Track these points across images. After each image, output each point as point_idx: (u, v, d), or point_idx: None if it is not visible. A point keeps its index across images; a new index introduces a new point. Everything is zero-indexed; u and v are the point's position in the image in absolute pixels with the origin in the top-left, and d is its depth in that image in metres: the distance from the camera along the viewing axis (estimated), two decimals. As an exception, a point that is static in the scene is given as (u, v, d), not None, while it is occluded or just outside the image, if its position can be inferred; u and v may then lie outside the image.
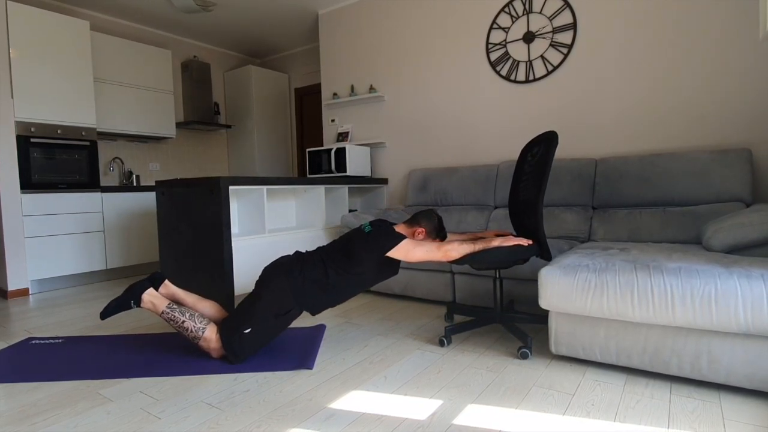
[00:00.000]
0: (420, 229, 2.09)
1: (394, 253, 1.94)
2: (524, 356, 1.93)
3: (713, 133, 2.67)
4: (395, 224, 2.12)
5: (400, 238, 1.96)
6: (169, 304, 1.96)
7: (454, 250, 1.93)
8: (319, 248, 2.10)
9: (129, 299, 1.97)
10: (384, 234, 1.99)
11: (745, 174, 2.41)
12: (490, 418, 1.44)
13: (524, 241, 1.94)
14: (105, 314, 1.98)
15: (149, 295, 1.98)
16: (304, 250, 2.13)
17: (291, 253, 3.03)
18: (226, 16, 4.63)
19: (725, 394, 1.56)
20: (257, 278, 2.01)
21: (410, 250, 1.95)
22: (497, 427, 1.39)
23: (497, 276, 2.15)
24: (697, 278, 1.54)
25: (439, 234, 2.14)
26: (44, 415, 1.54)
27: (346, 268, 1.97)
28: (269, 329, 1.92)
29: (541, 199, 1.88)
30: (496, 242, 1.93)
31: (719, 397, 1.55)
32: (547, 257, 2.01)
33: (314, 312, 2.00)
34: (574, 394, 1.60)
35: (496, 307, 2.16)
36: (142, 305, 1.97)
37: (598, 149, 3.05)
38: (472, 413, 1.48)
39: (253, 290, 1.96)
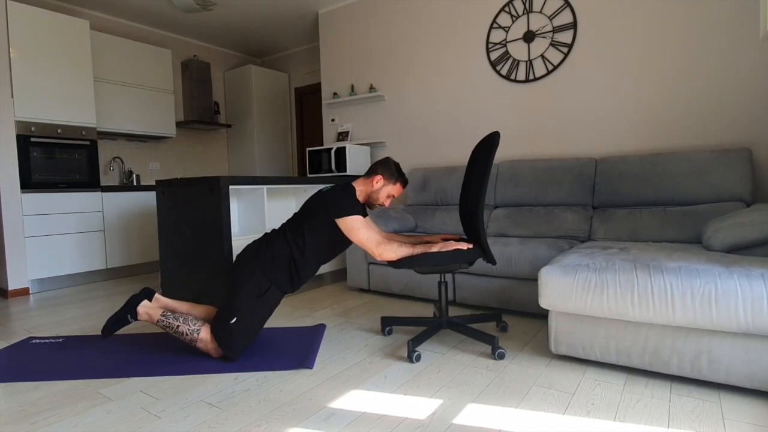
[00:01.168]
0: (377, 177, 2.06)
1: (341, 222, 1.92)
2: (501, 356, 1.92)
3: (713, 132, 2.67)
4: (356, 180, 2.10)
5: (354, 211, 1.92)
6: (163, 312, 2.00)
7: (392, 251, 1.89)
8: (283, 223, 2.10)
9: (125, 314, 2.01)
10: (340, 198, 1.95)
11: (745, 173, 2.41)
12: (490, 418, 1.44)
13: (464, 246, 1.91)
14: (106, 332, 2.03)
15: (144, 307, 2.02)
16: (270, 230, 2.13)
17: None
18: (226, 16, 4.63)
19: (725, 394, 1.56)
20: (231, 268, 2.03)
21: (354, 228, 1.91)
22: (497, 426, 1.39)
23: (442, 280, 2.10)
24: (697, 278, 1.54)
25: (399, 178, 2.09)
26: (44, 415, 1.54)
27: (305, 233, 1.96)
28: (255, 314, 1.93)
29: (481, 200, 1.84)
30: (436, 247, 1.91)
31: (719, 396, 1.55)
32: (490, 260, 1.97)
33: (285, 290, 2.00)
34: (574, 394, 1.60)
35: (442, 313, 2.10)
36: (138, 318, 2.02)
37: (599, 149, 3.05)
38: (472, 413, 1.48)
39: (231, 281, 1.98)
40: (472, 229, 1.98)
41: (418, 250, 1.90)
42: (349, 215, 1.92)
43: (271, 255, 1.95)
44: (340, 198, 1.95)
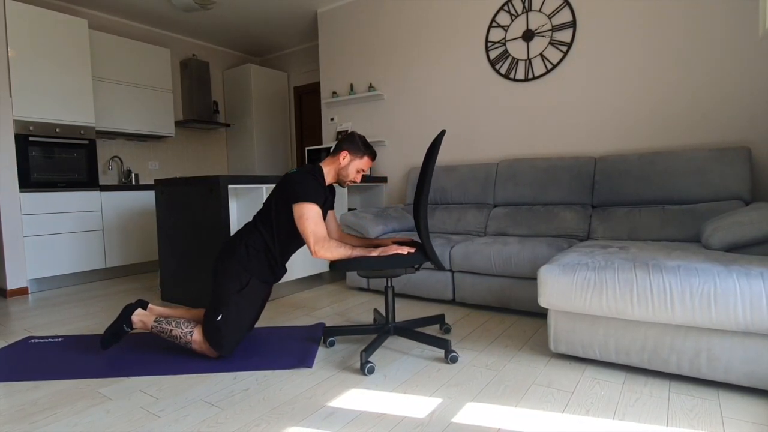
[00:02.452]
0: (343, 153, 2.00)
1: (295, 208, 1.85)
2: (454, 360, 1.88)
3: (712, 131, 2.67)
4: (323, 161, 2.05)
5: (309, 198, 1.85)
6: (156, 318, 2.00)
7: (328, 250, 1.81)
8: (254, 215, 2.07)
9: (122, 324, 2.01)
10: (301, 182, 1.89)
11: (744, 172, 2.41)
12: (490, 416, 1.45)
13: (403, 250, 1.86)
14: (104, 344, 2.03)
15: (138, 316, 2.03)
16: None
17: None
18: (225, 15, 4.62)
19: (724, 392, 1.56)
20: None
21: (302, 217, 1.83)
22: (496, 425, 1.39)
23: (388, 284, 2.02)
24: (696, 276, 1.54)
25: (366, 151, 2.03)
26: (44, 414, 1.54)
27: (272, 219, 1.94)
28: (240, 308, 1.92)
29: (423, 201, 1.79)
30: (376, 252, 1.85)
31: (718, 395, 1.55)
32: (437, 265, 1.94)
33: (267, 280, 1.99)
34: (573, 392, 1.60)
35: (388, 319, 2.04)
36: (134, 327, 2.03)
37: (598, 147, 3.05)
38: (471, 411, 1.48)
39: (212, 280, 1.97)
40: (418, 230, 1.93)
41: (357, 252, 1.83)
42: (303, 202, 1.84)
43: (246, 246, 1.94)
44: (301, 182, 1.88)
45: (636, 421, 1.39)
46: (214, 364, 1.89)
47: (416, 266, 1.93)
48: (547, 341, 2.09)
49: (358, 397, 1.60)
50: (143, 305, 2.09)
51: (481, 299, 2.64)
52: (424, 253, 1.91)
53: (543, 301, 1.84)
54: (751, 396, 1.53)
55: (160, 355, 2.02)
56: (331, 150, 2.07)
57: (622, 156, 2.79)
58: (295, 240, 1.99)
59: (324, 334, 2.13)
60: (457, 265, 2.69)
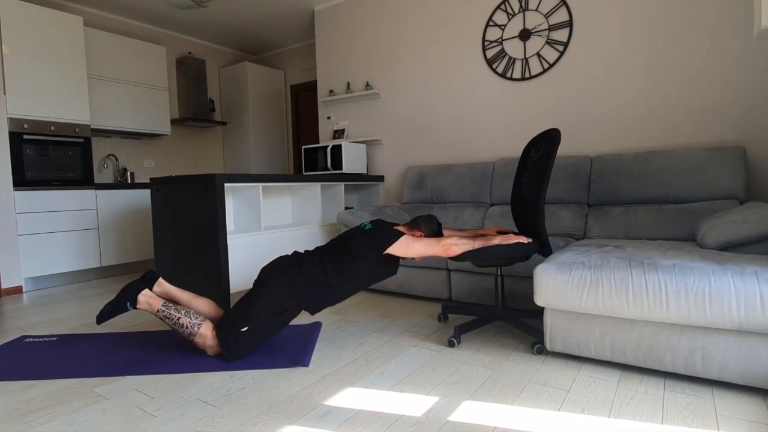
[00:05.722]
0: (419, 234, 2.10)
1: (394, 249, 1.94)
2: (540, 351, 1.94)
3: (708, 130, 2.69)
4: (396, 225, 2.13)
5: (400, 234, 1.96)
6: (164, 302, 1.97)
7: (455, 245, 1.93)
8: (317, 248, 2.10)
9: (124, 301, 1.98)
10: (384, 231, 1.99)
11: (739, 171, 2.42)
12: (486, 415, 1.45)
13: (524, 239, 1.95)
14: (101, 319, 1.99)
15: (144, 296, 1.99)
16: (302, 250, 2.12)
17: (288, 251, 3.04)
18: (221, 12, 4.60)
19: (718, 390, 1.57)
20: (255, 278, 2.01)
21: (410, 245, 1.95)
22: (493, 423, 1.40)
23: (498, 273, 2.15)
24: (691, 275, 1.55)
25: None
26: (39, 414, 1.53)
27: (345, 266, 1.96)
28: (266, 328, 1.92)
29: (542, 197, 1.89)
30: (497, 240, 1.95)
31: (712, 392, 1.56)
32: (548, 255, 2.02)
33: (313, 311, 2.01)
34: (569, 391, 1.61)
35: (497, 305, 2.16)
36: (138, 306, 1.98)
37: (594, 146, 3.06)
38: (467, 410, 1.49)
39: (252, 289, 1.96)
40: (529, 224, 2.05)
41: (479, 243, 1.94)
42: (398, 239, 1.94)
43: (302, 277, 1.94)
44: (383, 231, 1.98)
45: (631, 419, 1.40)
46: (211, 363, 1.89)
47: (528, 256, 2.02)
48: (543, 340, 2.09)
49: (355, 396, 1.60)
50: (150, 281, 2.06)
51: (477, 298, 2.65)
52: (540, 243, 2.00)
53: (539, 300, 1.85)
54: (745, 394, 1.54)
55: (156, 354, 2.02)
56: (410, 221, 2.17)
57: (618, 155, 2.80)
58: (361, 287, 2.06)
59: (443, 309, 2.43)
60: (453, 263, 2.69)
